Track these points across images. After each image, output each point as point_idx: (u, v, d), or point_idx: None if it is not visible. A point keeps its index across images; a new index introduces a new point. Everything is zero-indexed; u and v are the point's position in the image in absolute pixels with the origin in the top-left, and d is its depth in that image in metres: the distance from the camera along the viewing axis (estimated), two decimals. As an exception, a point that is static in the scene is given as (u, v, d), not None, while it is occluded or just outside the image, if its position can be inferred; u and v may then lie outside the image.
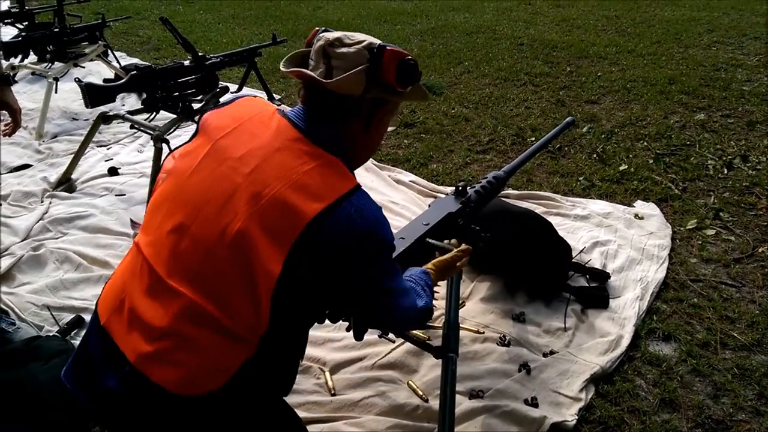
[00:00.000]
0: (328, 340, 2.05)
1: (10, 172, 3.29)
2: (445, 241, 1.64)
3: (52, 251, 2.47)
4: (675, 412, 1.79)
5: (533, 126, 3.93)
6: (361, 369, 1.93)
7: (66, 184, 3.10)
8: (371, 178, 3.21)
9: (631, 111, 4.21)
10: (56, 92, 3.94)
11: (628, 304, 2.19)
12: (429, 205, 1.90)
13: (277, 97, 4.41)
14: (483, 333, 2.07)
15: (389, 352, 1.97)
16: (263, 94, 4.38)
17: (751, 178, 3.16)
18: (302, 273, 1.07)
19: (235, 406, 1.13)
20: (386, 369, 1.92)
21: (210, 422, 1.12)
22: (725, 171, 3.26)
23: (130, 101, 4.14)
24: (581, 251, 2.50)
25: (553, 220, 2.59)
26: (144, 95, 2.94)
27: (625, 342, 2.02)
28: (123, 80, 2.84)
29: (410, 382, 1.86)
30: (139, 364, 1.09)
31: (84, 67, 4.68)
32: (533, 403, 1.79)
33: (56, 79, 3.95)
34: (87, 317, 2.11)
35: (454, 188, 1.92)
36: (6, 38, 4.49)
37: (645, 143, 3.64)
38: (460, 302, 2.19)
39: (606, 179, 3.20)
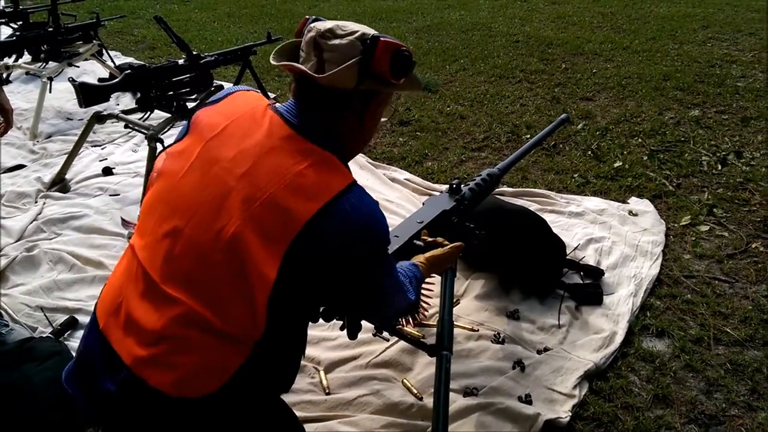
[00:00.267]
0: (323, 339, 2.05)
1: (4, 172, 3.28)
2: (430, 239, 1.63)
3: (45, 252, 2.46)
4: (668, 407, 1.79)
5: (528, 123, 3.94)
6: (356, 368, 1.93)
7: (60, 184, 3.09)
8: (366, 176, 3.21)
9: (626, 108, 4.22)
10: (50, 92, 3.93)
11: (622, 301, 2.20)
12: (423, 203, 1.90)
13: (272, 95, 4.41)
14: (477, 330, 2.07)
15: (383, 351, 1.98)
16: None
17: (744, 174, 3.17)
18: (299, 274, 1.06)
19: (233, 407, 1.13)
20: (380, 367, 1.92)
21: (208, 424, 1.12)
22: (719, 167, 3.27)
23: (124, 100, 4.13)
24: (575, 248, 2.50)
25: (548, 217, 2.59)
26: (138, 94, 2.94)
27: (619, 338, 2.02)
28: (117, 80, 2.84)
29: (405, 380, 1.87)
30: (136, 368, 1.09)
31: (78, 67, 4.67)
32: (527, 400, 1.79)
33: (50, 79, 3.94)
34: (81, 318, 2.11)
35: (448, 186, 1.92)
36: (0, 38, 4.48)
37: (639, 140, 3.65)
38: (455, 300, 2.20)
39: (600, 176, 3.21)
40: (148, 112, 2.95)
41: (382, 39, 1.15)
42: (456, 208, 1.84)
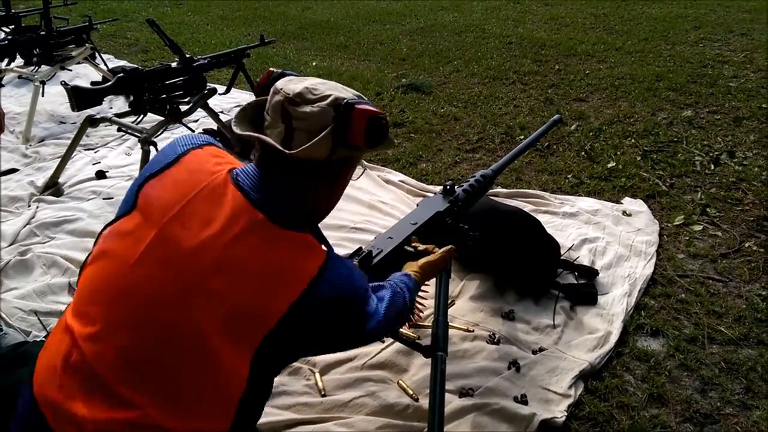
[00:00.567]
0: (318, 341, 2.05)
1: (-3, 176, 3.27)
2: (421, 246, 1.61)
3: (39, 256, 2.45)
4: (663, 406, 1.80)
5: (522, 124, 3.95)
6: (351, 369, 1.93)
7: (53, 188, 3.08)
8: (360, 178, 3.20)
9: (619, 108, 4.23)
10: (43, 95, 3.91)
11: (617, 301, 2.21)
12: (417, 205, 1.90)
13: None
14: (472, 331, 2.07)
15: (379, 352, 1.97)
16: (251, 96, 4.38)
17: (737, 173, 3.19)
18: (273, 359, 1.02)
19: None
20: (376, 369, 1.92)
21: None
22: (712, 167, 3.28)
23: (117, 104, 4.12)
24: (570, 248, 2.51)
25: (542, 218, 2.60)
26: (131, 98, 2.93)
27: (614, 338, 2.03)
28: (110, 83, 2.83)
29: (400, 381, 1.87)
30: None
31: (71, 70, 4.66)
32: (523, 400, 1.79)
33: (43, 83, 3.92)
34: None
35: (442, 187, 1.92)
36: (-8, 42, 4.45)
37: (633, 140, 3.66)
38: (450, 301, 2.20)
39: (594, 176, 3.22)
40: (141, 116, 2.94)
41: (357, 106, 1.08)
42: (450, 210, 1.85)
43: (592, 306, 2.20)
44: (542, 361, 1.94)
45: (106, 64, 4.66)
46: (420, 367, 1.91)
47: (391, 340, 1.97)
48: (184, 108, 3.02)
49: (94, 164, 3.40)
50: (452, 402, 1.76)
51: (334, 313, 1.06)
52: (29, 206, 2.92)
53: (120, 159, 3.49)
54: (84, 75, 4.85)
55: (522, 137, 3.70)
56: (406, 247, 1.61)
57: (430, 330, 1.71)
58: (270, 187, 1.09)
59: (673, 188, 3.08)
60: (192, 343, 0.99)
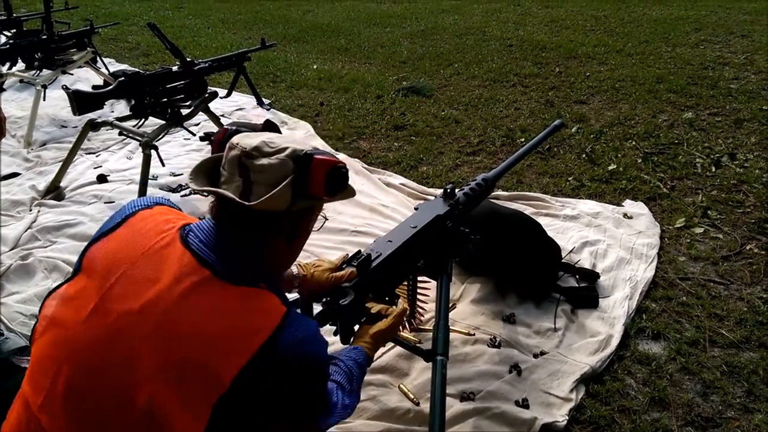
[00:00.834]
0: (319, 345, 2.04)
1: (-1, 180, 3.28)
2: (375, 308, 1.53)
3: (40, 260, 2.45)
4: (665, 410, 1.79)
5: (523, 127, 3.95)
6: (352, 373, 1.92)
7: (55, 192, 3.08)
8: (361, 181, 3.21)
9: (620, 110, 4.23)
10: (44, 100, 3.92)
11: (618, 304, 2.20)
12: (416, 208, 1.90)
13: (266, 101, 4.41)
14: (473, 335, 2.07)
15: (380, 356, 1.97)
16: (252, 99, 4.39)
17: (738, 175, 3.18)
18: (229, 424, 0.96)
19: None
20: (377, 373, 1.92)
21: None
22: (713, 169, 3.28)
23: (119, 108, 4.12)
24: (571, 251, 2.51)
25: (543, 221, 2.60)
26: (132, 102, 2.93)
27: (615, 341, 2.03)
28: (111, 87, 2.83)
29: (401, 385, 1.86)
30: None
31: (72, 74, 4.66)
32: (524, 404, 1.79)
33: (44, 87, 3.93)
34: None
35: (442, 191, 1.92)
36: (-7, 46, 4.47)
37: (633, 142, 3.66)
38: (451, 304, 2.20)
39: (595, 179, 3.22)
40: (143, 119, 2.95)
41: (315, 157, 1.06)
42: (450, 213, 1.84)
43: (593, 309, 2.20)
44: (543, 365, 1.94)
45: (107, 68, 4.67)
46: (421, 371, 1.91)
47: (392, 344, 1.97)
48: (185, 112, 3.03)
49: (95, 168, 3.41)
50: (453, 406, 1.76)
51: (291, 380, 0.99)
52: (31, 210, 2.92)
53: (121, 163, 3.50)
54: (85, 79, 4.86)
55: (522, 140, 3.70)
56: (367, 306, 1.54)
57: (431, 334, 1.71)
58: (225, 242, 1.06)
59: (674, 191, 3.08)
60: (141, 405, 0.95)
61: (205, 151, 3.53)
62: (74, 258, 2.46)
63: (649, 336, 2.09)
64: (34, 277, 2.39)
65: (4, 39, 4.51)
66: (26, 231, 2.69)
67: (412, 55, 5.92)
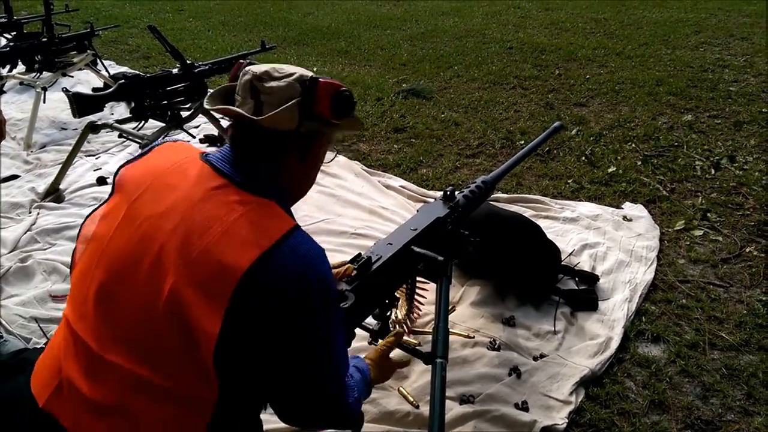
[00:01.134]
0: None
1: (-1, 183, 3.28)
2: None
3: (39, 262, 2.45)
4: (664, 413, 1.79)
5: (522, 129, 3.95)
6: (352, 376, 1.92)
7: (54, 194, 3.08)
8: (361, 183, 3.21)
9: (620, 113, 4.23)
10: (44, 102, 3.93)
11: (617, 306, 2.20)
12: (417, 210, 1.90)
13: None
14: (473, 337, 2.07)
15: (379, 359, 1.97)
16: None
17: (738, 178, 3.18)
18: (243, 329, 1.01)
19: None
20: (377, 375, 1.92)
21: None
22: (713, 171, 3.28)
23: (119, 110, 4.13)
24: (570, 254, 2.51)
25: (542, 223, 2.59)
26: (132, 104, 2.94)
27: (615, 344, 2.03)
28: (111, 89, 2.84)
29: (401, 388, 1.86)
30: None
31: (73, 77, 4.67)
32: (524, 407, 1.79)
33: (45, 89, 3.94)
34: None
35: (442, 193, 1.92)
36: (-6, 48, 4.47)
37: (633, 145, 3.67)
38: (450, 307, 2.20)
39: (594, 181, 3.22)
40: (143, 122, 2.95)
41: (321, 80, 1.13)
42: (450, 215, 1.84)
43: (593, 312, 2.20)
44: (543, 368, 1.94)
45: (107, 71, 4.67)
46: (420, 374, 1.90)
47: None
48: (185, 114, 3.03)
49: (95, 170, 3.41)
50: (453, 409, 1.76)
51: (297, 288, 1.02)
52: (30, 213, 2.92)
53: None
54: (85, 81, 4.86)
55: (522, 142, 3.71)
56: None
57: (431, 336, 1.71)
58: (241, 159, 1.14)
59: (673, 193, 3.08)
60: (164, 297, 1.01)
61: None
62: (74, 260, 2.47)
63: (648, 339, 2.09)
64: (33, 279, 2.39)
65: (4, 41, 4.51)
66: (26, 233, 2.69)
67: (412, 57, 5.92)
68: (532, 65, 5.46)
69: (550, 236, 2.39)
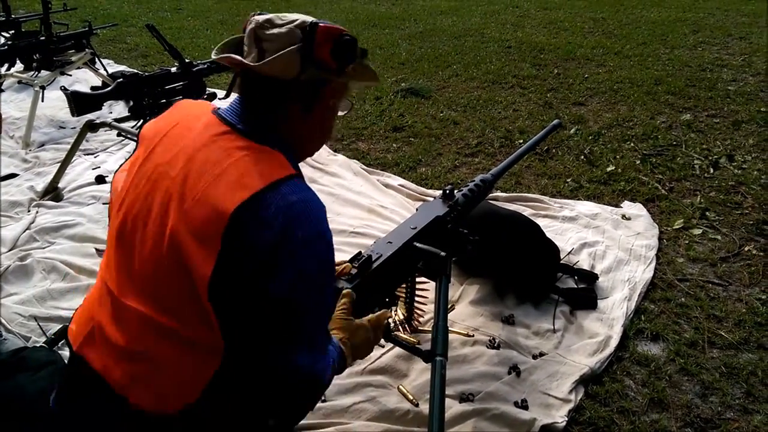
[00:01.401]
0: (318, 346, 2.04)
1: (-3, 181, 3.27)
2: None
3: (38, 261, 2.45)
4: (664, 411, 1.80)
5: (521, 128, 3.95)
6: (351, 374, 1.92)
7: (53, 193, 3.07)
8: (360, 182, 3.21)
9: (618, 112, 4.24)
10: (43, 101, 3.91)
11: (617, 305, 2.21)
12: (417, 209, 1.90)
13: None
14: (472, 336, 2.07)
15: (379, 357, 1.97)
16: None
17: (736, 177, 3.19)
18: (231, 270, 1.00)
19: (214, 419, 1.11)
20: (376, 374, 1.92)
21: None
22: (711, 170, 3.29)
23: (117, 109, 4.12)
24: (569, 252, 2.51)
25: (541, 222, 2.60)
26: (131, 102, 2.93)
27: (614, 342, 2.03)
28: (109, 88, 2.83)
29: (400, 386, 1.86)
30: (116, 387, 1.09)
31: (71, 75, 4.66)
32: (523, 405, 1.79)
33: (43, 88, 3.92)
34: (75, 327, 2.09)
35: (441, 192, 1.92)
36: (-8, 47, 4.46)
37: (632, 144, 3.67)
38: (450, 305, 2.20)
39: (593, 180, 3.22)
40: (141, 120, 2.95)
41: (321, 24, 1.10)
42: (449, 214, 1.85)
43: (592, 310, 2.20)
44: (542, 366, 1.94)
45: (105, 69, 4.66)
46: (420, 372, 1.90)
47: (391, 345, 1.97)
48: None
49: (93, 169, 3.40)
50: (452, 407, 1.76)
51: (287, 231, 0.99)
52: (29, 211, 2.92)
53: (120, 164, 3.49)
54: (84, 80, 4.85)
55: (521, 141, 3.71)
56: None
57: (430, 335, 1.71)
58: (246, 108, 1.16)
59: (672, 192, 3.09)
60: (167, 240, 1.05)
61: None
62: (73, 259, 2.47)
63: (648, 337, 2.09)
64: (32, 278, 2.39)
65: (2, 40, 4.50)
66: (24, 232, 2.68)
67: (410, 56, 5.92)
68: (531, 64, 5.46)
69: (549, 235, 2.39)
